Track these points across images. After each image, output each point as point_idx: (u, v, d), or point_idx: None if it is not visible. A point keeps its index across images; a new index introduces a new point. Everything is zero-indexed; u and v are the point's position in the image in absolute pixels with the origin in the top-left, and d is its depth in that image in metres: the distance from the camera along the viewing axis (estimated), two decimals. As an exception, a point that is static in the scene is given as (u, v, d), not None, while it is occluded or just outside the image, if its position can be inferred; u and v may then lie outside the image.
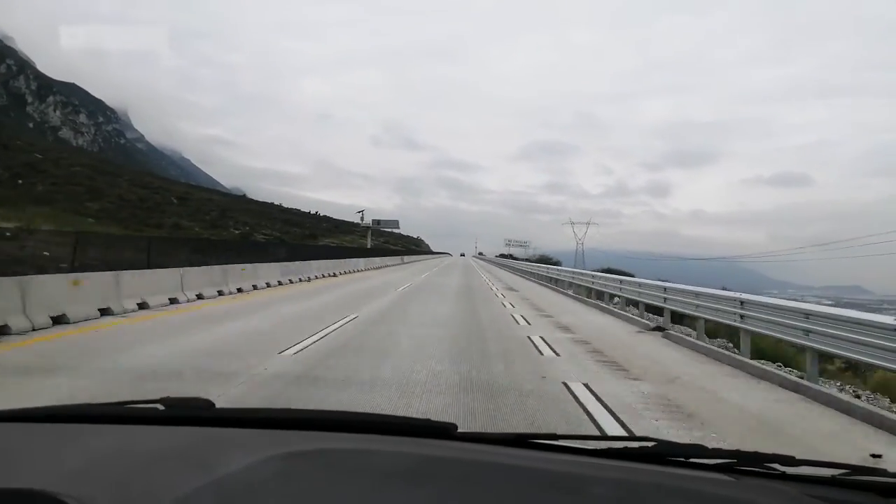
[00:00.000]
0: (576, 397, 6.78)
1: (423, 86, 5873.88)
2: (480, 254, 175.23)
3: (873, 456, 5.32)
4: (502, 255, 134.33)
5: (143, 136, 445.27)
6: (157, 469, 1.14)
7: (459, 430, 1.37)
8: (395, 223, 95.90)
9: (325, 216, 70.24)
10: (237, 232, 72.59)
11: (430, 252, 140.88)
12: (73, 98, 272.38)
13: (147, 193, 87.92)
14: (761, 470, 1.26)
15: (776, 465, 1.26)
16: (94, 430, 1.40)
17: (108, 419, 1.48)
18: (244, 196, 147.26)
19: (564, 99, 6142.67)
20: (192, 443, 1.31)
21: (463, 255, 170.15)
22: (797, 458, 1.26)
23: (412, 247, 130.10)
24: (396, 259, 60.08)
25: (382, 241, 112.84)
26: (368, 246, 75.46)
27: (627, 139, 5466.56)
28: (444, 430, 1.37)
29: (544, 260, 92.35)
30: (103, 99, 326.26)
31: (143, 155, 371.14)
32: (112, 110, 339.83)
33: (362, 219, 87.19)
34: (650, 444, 1.31)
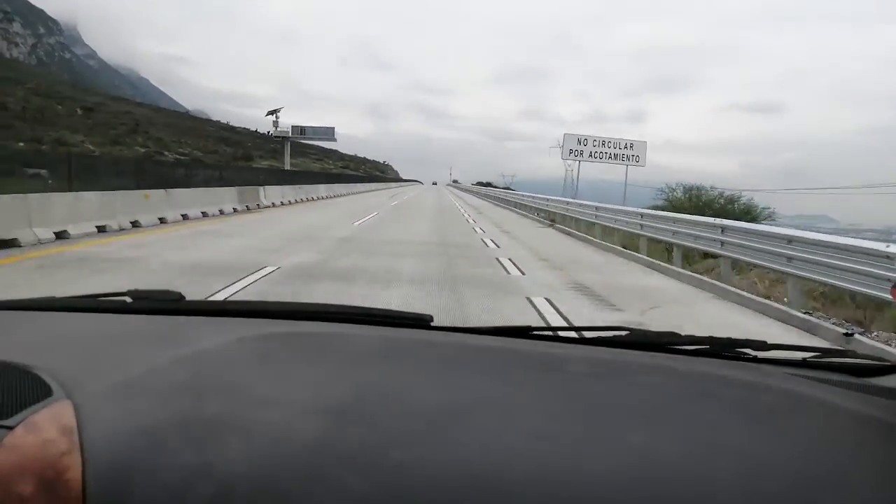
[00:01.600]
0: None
1: (392, 2, 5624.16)
2: (455, 181, 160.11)
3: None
4: (480, 183, 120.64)
5: (94, 52, 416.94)
6: (128, 347, 1.14)
7: (434, 323, 1.41)
8: (328, 132, 65.90)
9: (273, 135, 54.16)
10: (142, 150, 56.65)
11: (397, 179, 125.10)
12: (5, 4, 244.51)
13: (48, 103, 70.80)
14: (733, 354, 1.29)
15: (748, 350, 1.29)
16: (63, 317, 1.40)
17: (77, 309, 1.47)
18: (178, 112, 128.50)
19: (541, 20, 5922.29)
20: (163, 328, 1.31)
21: (435, 183, 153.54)
22: (768, 343, 1.29)
23: (376, 173, 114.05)
24: (340, 188, 45.14)
25: (341, 166, 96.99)
26: (287, 167, 57.57)
27: (605, 64, 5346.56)
28: (420, 321, 1.42)
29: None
30: (44, 9, 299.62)
31: (93, 72, 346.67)
32: (55, 21, 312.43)
33: (275, 124, 62.14)
34: (623, 332, 1.35)
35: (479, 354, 1.21)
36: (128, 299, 1.47)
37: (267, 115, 62.17)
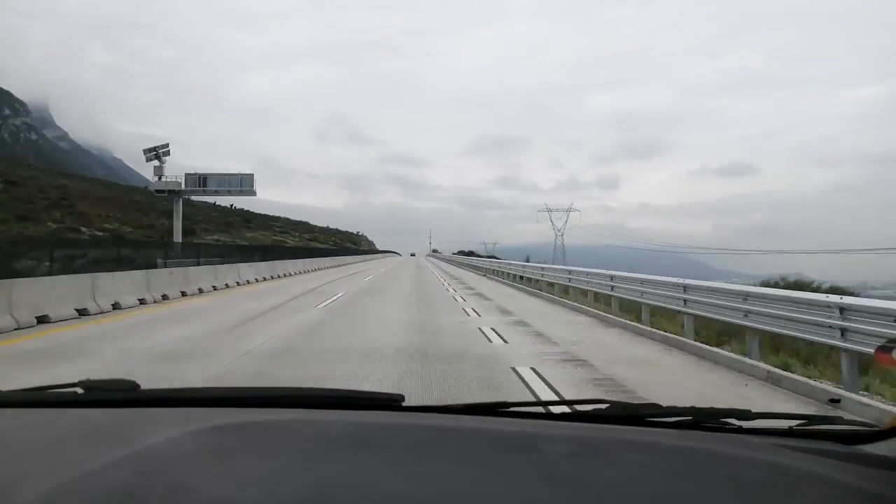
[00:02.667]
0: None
1: (368, 80, 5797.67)
2: (435, 251, 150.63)
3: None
4: (461, 252, 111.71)
5: (66, 133, 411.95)
6: (71, 446, 1.08)
7: (406, 404, 1.34)
8: (245, 182, 43.95)
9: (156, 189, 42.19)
10: (53, 227, 46.95)
11: (373, 251, 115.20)
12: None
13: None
14: (718, 425, 1.26)
15: (732, 420, 1.25)
16: (8, 414, 1.32)
17: (21, 404, 1.40)
18: (120, 184, 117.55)
19: (514, 92, 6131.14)
20: (113, 422, 1.24)
21: (413, 254, 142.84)
22: (753, 411, 1.26)
23: (348, 245, 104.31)
24: (292, 265, 35.33)
25: (308, 238, 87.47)
26: (178, 235, 40.76)
27: (578, 132, 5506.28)
28: (390, 401, 1.35)
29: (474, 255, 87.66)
30: (12, 91, 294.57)
31: (63, 153, 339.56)
32: (22, 103, 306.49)
33: (158, 172, 42.71)
34: (603, 405, 1.30)
35: (452, 436, 1.14)
36: (79, 390, 1.39)
37: (147, 156, 42.13)
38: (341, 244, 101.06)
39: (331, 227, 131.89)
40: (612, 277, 14.60)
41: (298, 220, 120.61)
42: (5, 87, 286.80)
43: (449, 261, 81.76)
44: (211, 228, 70.63)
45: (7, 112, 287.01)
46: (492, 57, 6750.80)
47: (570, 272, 18.64)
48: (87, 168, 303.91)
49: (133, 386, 1.39)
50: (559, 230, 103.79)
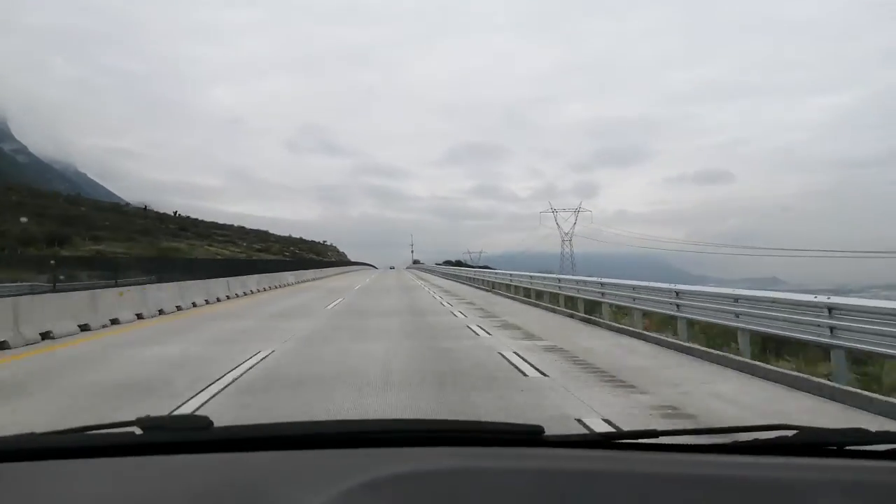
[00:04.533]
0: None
1: (340, 91, 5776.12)
2: (416, 262, 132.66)
3: None
4: (448, 262, 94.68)
5: (25, 147, 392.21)
6: None
7: (546, 434, 1.24)
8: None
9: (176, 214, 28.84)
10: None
11: (343, 263, 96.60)
12: None
13: None
14: None
15: None
16: (46, 469, 1.11)
17: (67, 452, 1.17)
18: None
19: (490, 101, 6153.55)
20: (183, 475, 1.06)
21: (393, 267, 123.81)
22: None
23: (311, 256, 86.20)
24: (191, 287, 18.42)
25: (258, 248, 69.88)
26: None
27: (556, 140, 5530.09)
28: (532, 435, 1.24)
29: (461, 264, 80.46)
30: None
31: (18, 167, 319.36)
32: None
33: None
34: (790, 432, 1.14)
35: (632, 481, 0.99)
36: (137, 430, 1.19)
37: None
38: (301, 255, 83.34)
39: (294, 236, 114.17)
40: (677, 293, 11.14)
41: (258, 229, 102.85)
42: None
43: (430, 271, 64.94)
44: (105, 236, 52.68)
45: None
46: (466, 67, 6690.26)
47: (602, 284, 15.26)
48: (46, 182, 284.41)
49: (206, 423, 1.20)
50: (566, 234, 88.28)
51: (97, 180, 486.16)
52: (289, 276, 38.73)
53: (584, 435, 1.44)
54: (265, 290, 30.39)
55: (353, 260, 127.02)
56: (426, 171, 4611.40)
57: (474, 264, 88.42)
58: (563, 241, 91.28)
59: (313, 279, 45.00)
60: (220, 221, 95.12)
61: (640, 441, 1.20)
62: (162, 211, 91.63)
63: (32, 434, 1.26)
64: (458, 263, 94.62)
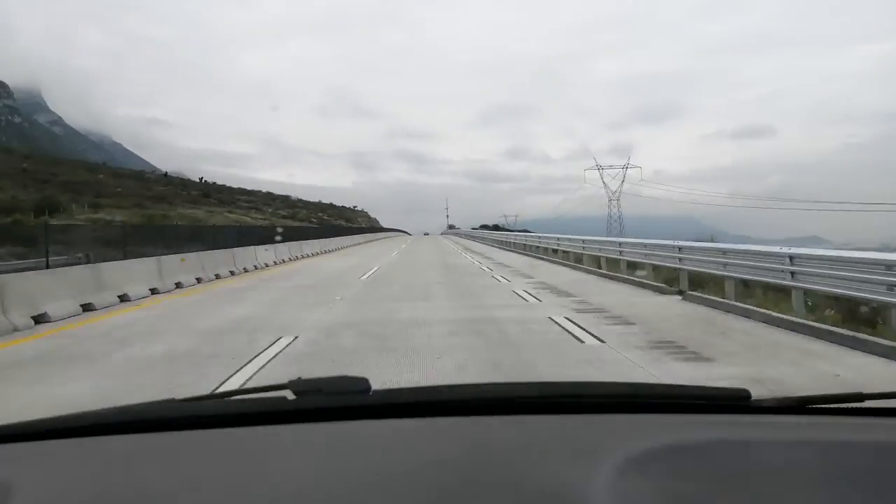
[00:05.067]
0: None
1: (369, 52, 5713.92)
2: (451, 227, 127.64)
3: None
4: (484, 227, 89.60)
5: (60, 118, 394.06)
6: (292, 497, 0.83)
7: (753, 399, 1.20)
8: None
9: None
10: None
11: (374, 229, 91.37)
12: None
13: None
14: None
15: None
16: (194, 438, 1.04)
17: (214, 421, 1.09)
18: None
19: (522, 58, 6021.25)
20: (339, 446, 0.98)
21: (427, 233, 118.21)
22: None
23: (340, 222, 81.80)
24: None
25: (283, 216, 65.66)
26: None
27: (589, 98, 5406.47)
28: (738, 401, 1.17)
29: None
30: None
31: (54, 137, 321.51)
32: (3, 84, 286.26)
33: None
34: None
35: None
36: (288, 395, 1.09)
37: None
38: (329, 221, 78.88)
39: (324, 201, 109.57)
40: (791, 258, 9.49)
41: (286, 195, 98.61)
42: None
43: (472, 237, 59.76)
44: (108, 203, 48.59)
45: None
46: (495, 22, 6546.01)
47: (680, 249, 13.75)
48: (80, 152, 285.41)
49: (366, 386, 1.09)
50: (613, 193, 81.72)
51: (133, 150, 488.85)
52: (303, 246, 34.24)
53: (780, 399, 1.12)
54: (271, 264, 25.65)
55: (385, 226, 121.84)
56: (458, 133, 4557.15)
57: (512, 228, 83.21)
58: (610, 200, 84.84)
59: (338, 248, 40.31)
60: (249, 188, 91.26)
61: (842, 406, 1.16)
62: (194, 179, 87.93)
63: (172, 400, 1.17)
64: (496, 228, 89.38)
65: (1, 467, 0.91)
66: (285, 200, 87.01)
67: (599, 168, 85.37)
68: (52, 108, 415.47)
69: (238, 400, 1.16)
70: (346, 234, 52.95)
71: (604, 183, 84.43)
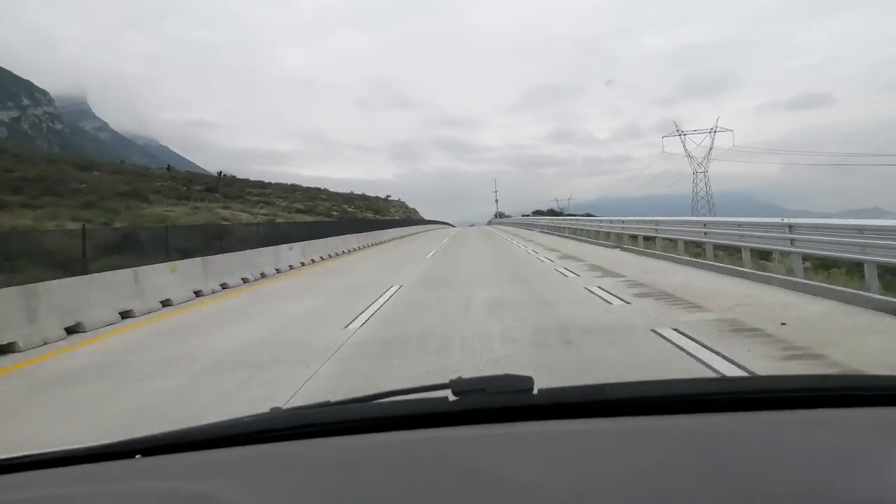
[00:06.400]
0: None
1: (408, 41, 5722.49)
2: (501, 215, 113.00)
3: None
4: (538, 213, 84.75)
5: (106, 124, 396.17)
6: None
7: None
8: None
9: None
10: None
11: (414, 222, 77.35)
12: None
13: None
14: None
15: None
16: (343, 443, 1.02)
17: (370, 424, 1.07)
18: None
19: (562, 38, 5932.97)
20: (504, 456, 0.92)
21: (472, 225, 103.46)
22: None
23: (369, 215, 69.39)
24: None
25: (299, 209, 54.25)
26: None
27: (635, 74, 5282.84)
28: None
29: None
30: (32, 80, 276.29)
31: (99, 143, 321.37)
32: (43, 92, 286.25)
33: None
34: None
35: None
36: (450, 396, 1.04)
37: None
38: (354, 215, 66.61)
39: (356, 192, 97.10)
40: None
41: (312, 187, 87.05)
42: (25, 77, 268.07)
43: (533, 227, 46.82)
44: (53, 202, 36.84)
45: (26, 102, 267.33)
46: (535, 1, 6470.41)
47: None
48: (127, 157, 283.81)
49: (530, 385, 1.04)
50: (700, 163, 66.36)
51: (180, 153, 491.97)
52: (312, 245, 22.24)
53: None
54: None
55: (426, 218, 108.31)
56: (499, 118, 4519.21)
57: (567, 212, 69.91)
58: (695, 174, 69.53)
59: (333, 255, 26.49)
60: (269, 181, 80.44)
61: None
62: (241, 177, 77.45)
63: (327, 403, 1.15)
64: (552, 213, 75.90)
65: (204, 479, 0.89)
66: (306, 192, 75.23)
67: (681, 133, 70.16)
68: (97, 114, 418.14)
69: (397, 402, 1.12)
70: (368, 231, 40.67)
71: (687, 153, 69.48)
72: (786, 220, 11.22)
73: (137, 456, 1.04)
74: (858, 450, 0.85)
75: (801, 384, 1.19)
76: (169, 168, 69.54)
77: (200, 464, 0.98)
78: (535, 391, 1.04)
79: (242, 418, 1.11)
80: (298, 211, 58.29)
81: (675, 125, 72.23)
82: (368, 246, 34.54)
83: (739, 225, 13.22)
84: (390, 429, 1.02)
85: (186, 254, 14.33)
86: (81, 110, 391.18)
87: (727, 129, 73.53)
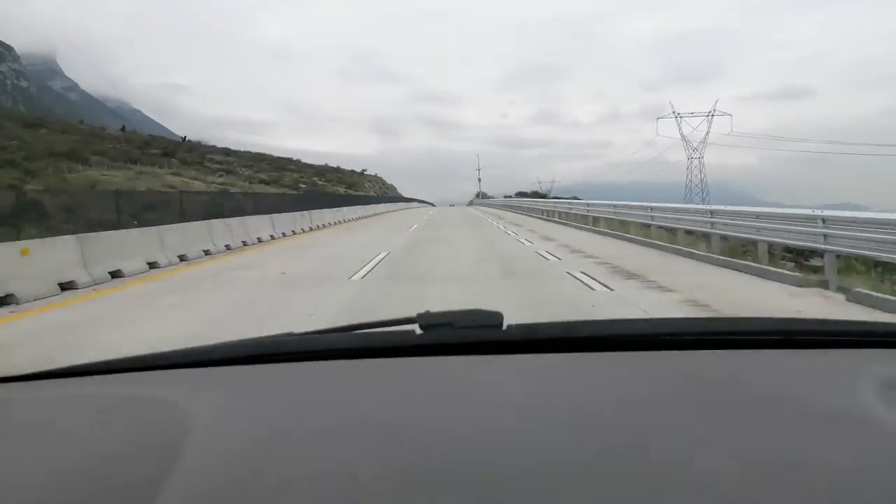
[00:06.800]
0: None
1: (393, 11, 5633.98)
2: (482, 195, 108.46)
3: None
4: (521, 194, 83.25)
5: (76, 84, 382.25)
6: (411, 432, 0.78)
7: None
8: None
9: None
10: None
11: (393, 199, 72.11)
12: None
13: None
14: None
15: None
16: (313, 369, 1.04)
17: (334, 352, 1.09)
18: None
19: (549, 19, 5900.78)
20: (464, 382, 0.93)
21: (453, 205, 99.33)
22: None
23: (340, 189, 64.58)
24: None
25: (265, 179, 49.45)
26: None
27: (621, 58, 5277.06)
28: None
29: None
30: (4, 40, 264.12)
31: (68, 104, 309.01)
32: (8, 47, 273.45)
33: None
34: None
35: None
36: (416, 329, 1.04)
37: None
38: (323, 188, 61.72)
39: (330, 164, 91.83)
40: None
41: (282, 157, 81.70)
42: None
43: (518, 209, 42.36)
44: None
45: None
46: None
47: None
48: (96, 119, 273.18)
49: (499, 320, 1.03)
50: (695, 148, 62.86)
51: (153, 117, 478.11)
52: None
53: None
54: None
55: (405, 196, 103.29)
56: (484, 97, 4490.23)
57: (552, 195, 66.30)
58: (690, 159, 65.76)
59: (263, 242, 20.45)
60: (237, 149, 75.19)
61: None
62: (219, 146, 71.80)
63: (291, 334, 1.16)
64: (536, 195, 72.01)
65: (174, 390, 0.93)
66: (274, 162, 70.00)
67: (677, 115, 66.10)
68: (67, 73, 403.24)
69: (363, 334, 1.13)
70: (356, 204, 35.60)
71: (682, 137, 65.73)
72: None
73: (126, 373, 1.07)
74: (820, 380, 0.89)
75: (767, 326, 1.20)
76: (124, 129, 63.83)
77: (177, 378, 1.01)
78: (504, 327, 1.03)
79: (227, 342, 1.13)
80: (262, 181, 53.42)
81: (671, 106, 67.95)
82: (323, 227, 29.74)
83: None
84: (356, 358, 1.03)
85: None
86: (50, 69, 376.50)
87: (725, 113, 69.85)
